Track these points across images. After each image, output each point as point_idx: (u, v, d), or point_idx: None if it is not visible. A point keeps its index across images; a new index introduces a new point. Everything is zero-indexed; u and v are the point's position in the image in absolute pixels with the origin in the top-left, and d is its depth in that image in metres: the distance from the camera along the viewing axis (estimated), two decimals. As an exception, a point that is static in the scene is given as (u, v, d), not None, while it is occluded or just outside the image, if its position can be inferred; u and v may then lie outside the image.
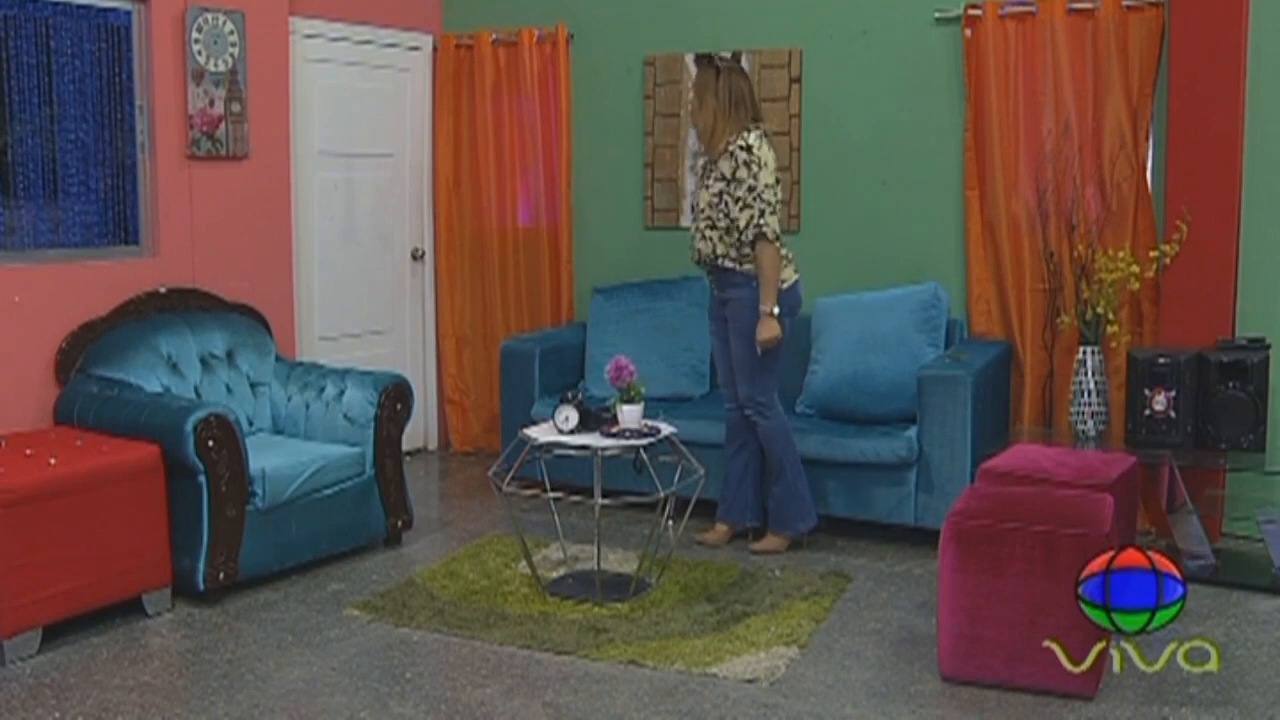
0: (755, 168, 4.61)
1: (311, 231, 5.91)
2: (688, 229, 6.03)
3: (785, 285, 4.73)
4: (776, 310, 4.64)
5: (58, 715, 3.44)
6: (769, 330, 4.64)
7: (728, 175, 4.66)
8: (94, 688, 3.63)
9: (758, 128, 4.72)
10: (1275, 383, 4.76)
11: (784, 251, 4.74)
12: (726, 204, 4.66)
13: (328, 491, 4.68)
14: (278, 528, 4.49)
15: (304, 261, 5.85)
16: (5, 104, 4.68)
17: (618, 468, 4.78)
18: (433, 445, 6.68)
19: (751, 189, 4.61)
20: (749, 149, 4.63)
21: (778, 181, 4.69)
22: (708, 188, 4.75)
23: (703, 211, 4.77)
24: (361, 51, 6.11)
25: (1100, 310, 4.94)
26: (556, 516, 4.78)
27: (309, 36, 5.82)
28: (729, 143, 4.68)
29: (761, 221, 4.59)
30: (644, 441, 4.33)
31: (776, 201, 4.65)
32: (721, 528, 5.03)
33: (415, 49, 6.39)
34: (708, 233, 4.74)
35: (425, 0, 6.48)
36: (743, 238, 4.64)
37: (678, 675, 3.72)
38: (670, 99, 6.06)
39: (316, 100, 5.88)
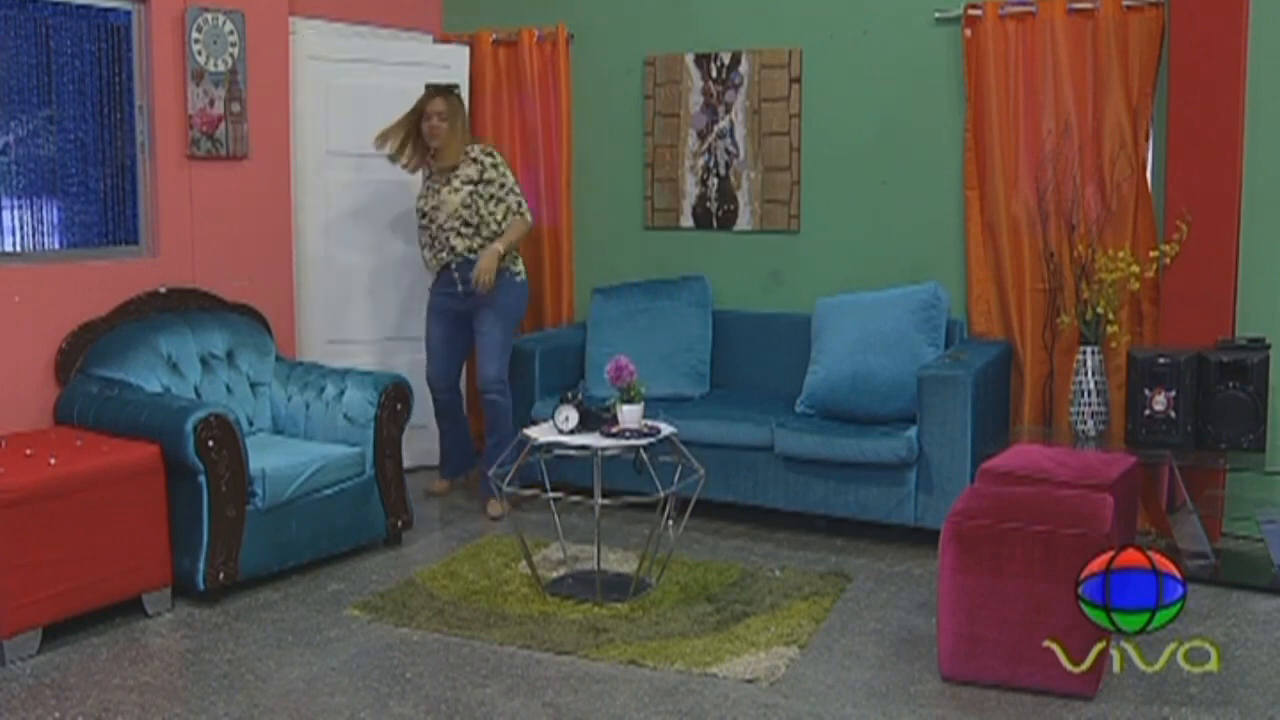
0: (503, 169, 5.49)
1: (318, 233, 5.88)
2: (688, 229, 6.08)
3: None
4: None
5: (58, 715, 3.45)
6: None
7: (475, 178, 5.40)
8: (94, 688, 3.63)
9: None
10: (1275, 383, 4.76)
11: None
12: (478, 203, 5.38)
13: (328, 491, 4.68)
14: (278, 528, 4.49)
15: (308, 262, 5.83)
16: (5, 104, 4.68)
17: (618, 468, 4.79)
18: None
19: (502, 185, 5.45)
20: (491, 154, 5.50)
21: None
22: (456, 194, 5.38)
23: (455, 214, 5.38)
24: (369, 50, 6.05)
25: (1100, 310, 4.94)
26: (556, 516, 4.78)
27: (312, 35, 5.80)
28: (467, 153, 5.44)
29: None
30: (644, 441, 4.33)
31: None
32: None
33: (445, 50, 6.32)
34: (462, 230, 5.39)
35: (425, 0, 6.48)
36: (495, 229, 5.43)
37: (678, 675, 3.72)
38: (670, 99, 6.06)
39: (325, 100, 5.82)
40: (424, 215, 5.48)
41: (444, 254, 5.43)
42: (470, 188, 5.37)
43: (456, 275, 5.43)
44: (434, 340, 5.60)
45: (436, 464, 5.94)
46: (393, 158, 5.53)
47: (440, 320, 5.57)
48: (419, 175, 5.65)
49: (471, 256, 5.39)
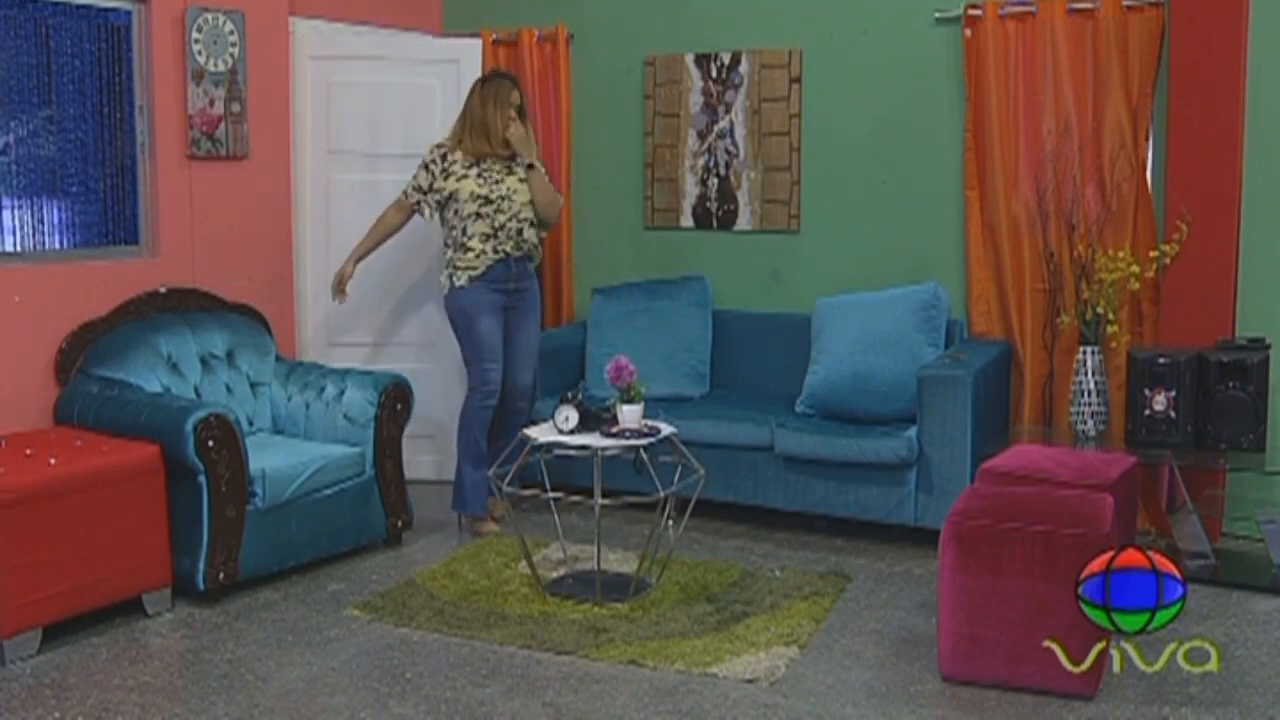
0: None
1: (318, 233, 5.83)
2: (688, 229, 6.08)
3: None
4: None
5: (58, 715, 3.45)
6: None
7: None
8: (94, 688, 3.63)
9: None
10: (1275, 383, 4.76)
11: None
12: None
13: (328, 491, 4.68)
14: (278, 528, 4.49)
15: (308, 262, 5.81)
16: (5, 104, 4.68)
17: (618, 468, 4.79)
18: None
19: None
20: None
21: None
22: (524, 183, 5.21)
23: (529, 205, 5.20)
24: (377, 47, 6.02)
25: (1100, 310, 4.94)
26: (556, 516, 4.78)
27: (312, 35, 5.79)
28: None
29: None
30: (644, 441, 4.33)
31: None
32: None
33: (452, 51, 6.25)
34: (533, 221, 5.25)
35: (425, 0, 6.47)
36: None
37: (678, 675, 3.72)
38: (670, 99, 6.06)
39: (326, 99, 5.80)
40: (488, 202, 5.11)
41: (508, 245, 5.13)
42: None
43: (514, 270, 5.19)
44: (492, 337, 5.18)
45: (433, 475, 5.86)
46: (447, 154, 5.21)
47: (492, 317, 5.17)
48: (433, 169, 5.27)
49: (533, 253, 5.29)
